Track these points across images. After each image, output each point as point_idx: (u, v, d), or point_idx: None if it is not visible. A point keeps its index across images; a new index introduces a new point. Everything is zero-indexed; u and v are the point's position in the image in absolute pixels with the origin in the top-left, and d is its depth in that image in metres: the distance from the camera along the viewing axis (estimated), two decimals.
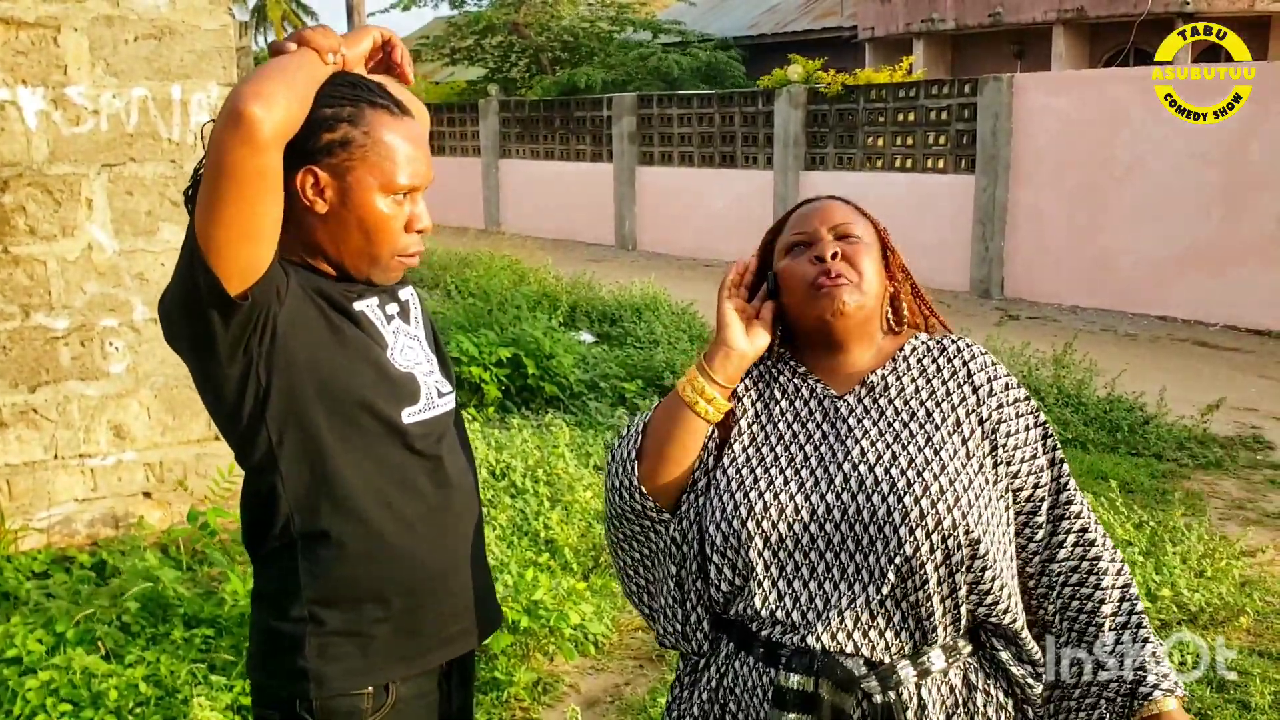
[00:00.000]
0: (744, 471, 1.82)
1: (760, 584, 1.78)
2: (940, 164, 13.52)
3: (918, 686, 1.76)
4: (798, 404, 1.86)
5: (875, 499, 1.73)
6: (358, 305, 1.86)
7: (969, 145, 13.10)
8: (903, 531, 1.71)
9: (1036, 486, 1.84)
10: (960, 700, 1.79)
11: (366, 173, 1.79)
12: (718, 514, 1.81)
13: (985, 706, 1.81)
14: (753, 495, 1.79)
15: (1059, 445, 1.87)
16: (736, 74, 20.54)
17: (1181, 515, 5.16)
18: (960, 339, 1.90)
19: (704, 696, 1.89)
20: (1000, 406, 1.83)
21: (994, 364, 1.87)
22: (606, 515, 1.98)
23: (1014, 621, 1.79)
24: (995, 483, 1.80)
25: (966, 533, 1.71)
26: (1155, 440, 6.87)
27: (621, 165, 18.09)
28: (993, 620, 1.78)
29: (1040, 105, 12.43)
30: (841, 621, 1.74)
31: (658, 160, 17.74)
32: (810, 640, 1.75)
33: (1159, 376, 8.22)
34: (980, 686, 1.81)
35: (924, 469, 1.74)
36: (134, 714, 3.41)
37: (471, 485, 2.02)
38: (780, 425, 1.85)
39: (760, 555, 1.77)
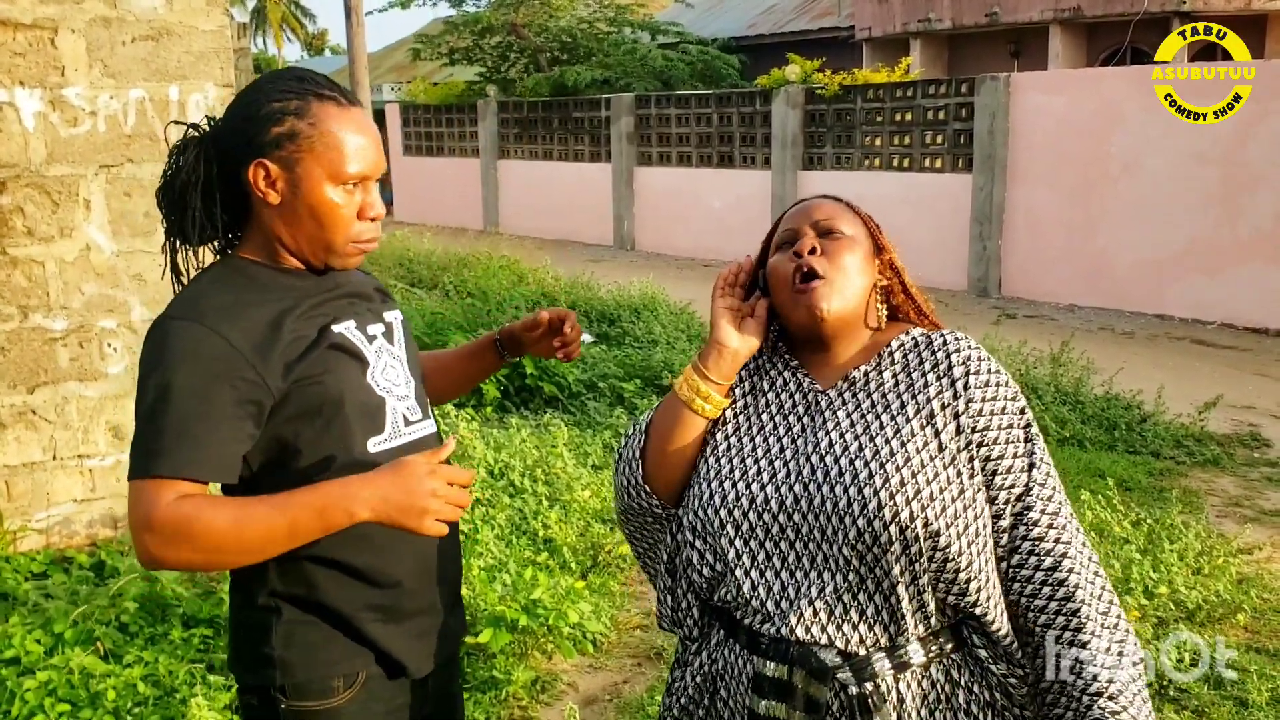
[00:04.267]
0: (722, 461, 1.86)
1: (734, 571, 1.81)
2: (938, 163, 13.53)
3: (896, 680, 1.77)
4: (783, 397, 1.90)
5: (838, 489, 1.76)
6: (336, 328, 1.88)
7: (966, 144, 13.11)
8: (860, 522, 1.73)
9: (1008, 500, 1.80)
10: (943, 696, 1.80)
11: (314, 163, 1.83)
12: (695, 501, 1.85)
13: (969, 704, 1.81)
14: (726, 485, 1.83)
15: (1036, 451, 1.82)
16: (731, 74, 20.55)
17: (1179, 513, 5.17)
18: (950, 333, 1.90)
19: (697, 680, 1.93)
20: (979, 411, 1.80)
21: (979, 359, 1.86)
22: (616, 510, 2.02)
23: (985, 615, 1.78)
24: (972, 476, 1.79)
25: (925, 525, 1.72)
26: (1153, 438, 6.88)
27: (620, 165, 18.10)
28: (967, 612, 1.78)
29: (1037, 104, 12.44)
30: (814, 612, 1.76)
31: (656, 160, 17.75)
32: (784, 630, 1.77)
33: (1156, 375, 8.24)
34: (963, 684, 1.81)
35: (887, 461, 1.75)
36: (132, 714, 3.42)
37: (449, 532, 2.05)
38: (764, 417, 1.89)
39: (733, 543, 1.81)
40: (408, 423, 1.96)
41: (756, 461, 1.84)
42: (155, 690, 3.52)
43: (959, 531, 1.74)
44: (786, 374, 1.92)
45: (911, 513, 1.71)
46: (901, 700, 1.76)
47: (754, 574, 1.80)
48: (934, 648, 1.80)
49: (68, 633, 3.76)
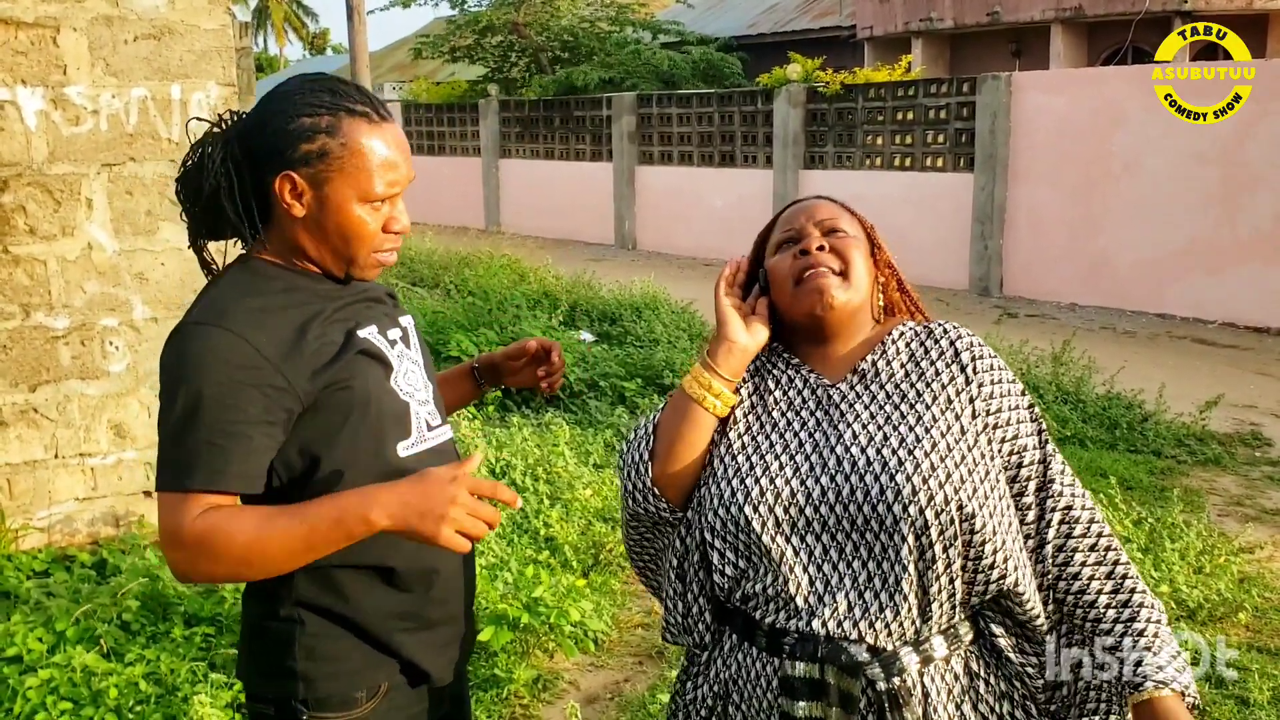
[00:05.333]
0: (739, 459, 1.85)
1: (762, 568, 1.81)
2: (939, 163, 13.52)
3: (920, 674, 1.78)
4: (791, 393, 1.90)
5: (868, 479, 1.76)
6: (361, 333, 1.87)
7: (967, 144, 13.11)
8: (896, 509, 1.74)
9: (1028, 478, 1.86)
10: (964, 688, 1.82)
11: (344, 183, 1.79)
12: (715, 500, 1.84)
13: (988, 695, 1.83)
14: (749, 481, 1.82)
15: (1043, 427, 1.90)
16: (734, 73, 20.54)
17: (1180, 512, 5.17)
18: (945, 323, 1.95)
19: (715, 689, 1.92)
20: (990, 394, 1.86)
21: (980, 344, 1.91)
22: (622, 520, 2.02)
23: (1023, 593, 1.80)
24: (992, 457, 1.82)
25: (960, 508, 1.74)
26: (1154, 437, 6.87)
27: (621, 165, 18.09)
28: (1004, 592, 1.79)
29: (1038, 104, 12.44)
30: (848, 606, 1.77)
31: (657, 160, 17.74)
32: (815, 625, 1.77)
33: (1157, 374, 8.23)
34: (982, 674, 1.83)
35: (914, 447, 1.77)
36: (134, 712, 3.42)
37: None
38: (774, 414, 1.89)
39: (759, 540, 1.80)
40: (430, 427, 1.95)
41: (777, 457, 1.83)
42: (157, 688, 3.52)
43: (990, 512, 1.77)
44: (790, 371, 1.93)
45: (945, 496, 1.73)
46: (927, 694, 1.78)
47: (784, 569, 1.79)
48: (954, 640, 1.81)
49: (69, 631, 3.76)
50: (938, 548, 1.75)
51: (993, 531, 1.76)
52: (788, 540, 1.80)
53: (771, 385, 1.93)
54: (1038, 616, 1.83)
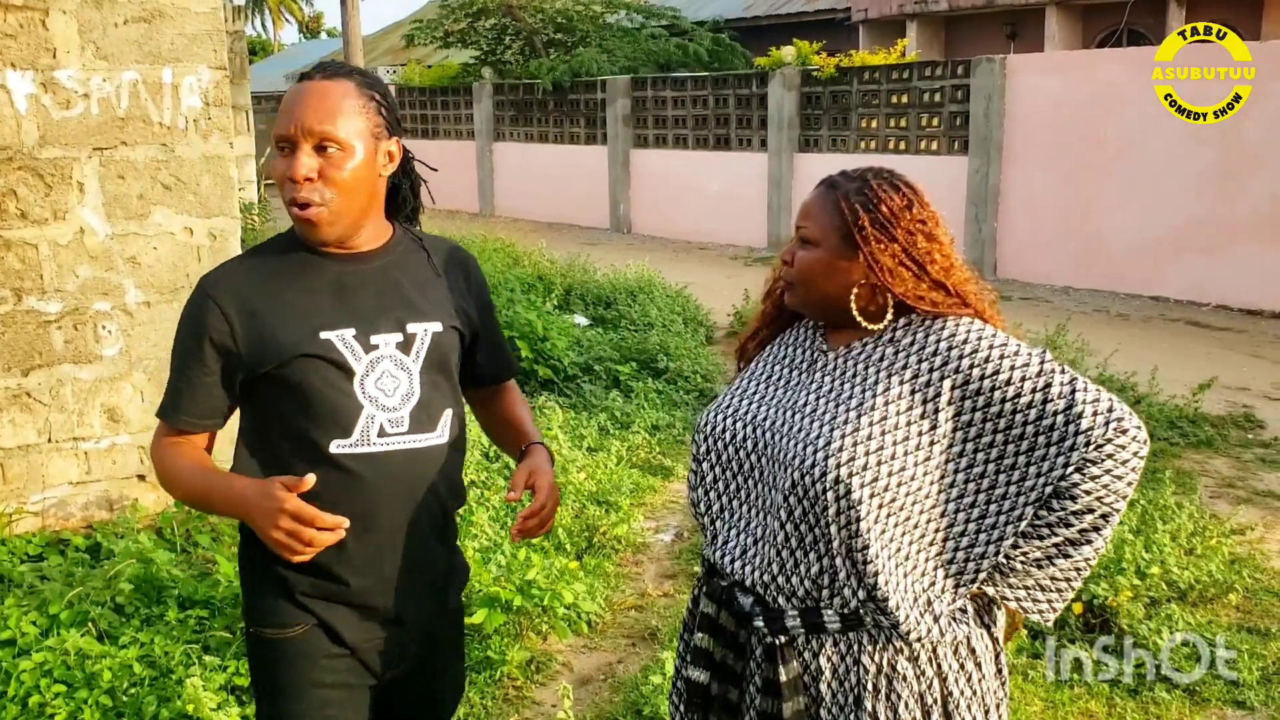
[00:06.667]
0: (725, 396, 2.08)
1: (696, 488, 2.04)
2: (934, 145, 13.51)
3: (809, 639, 1.87)
4: (796, 351, 2.05)
5: (786, 441, 1.89)
6: (324, 335, 1.98)
7: (962, 126, 13.09)
8: (795, 475, 1.85)
9: (1040, 427, 1.83)
10: (852, 663, 1.87)
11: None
12: (698, 424, 2.08)
13: (876, 674, 1.87)
14: (718, 416, 2.03)
15: (1061, 382, 1.84)
16: (739, 64, 20.42)
17: (1172, 493, 5.17)
18: (956, 319, 1.90)
19: (690, 608, 2.13)
20: (978, 390, 1.84)
21: (976, 337, 1.87)
22: None
23: (885, 600, 1.83)
24: (960, 455, 1.86)
25: (848, 492, 1.80)
26: (1147, 419, 6.88)
27: (616, 148, 18.05)
28: (870, 595, 1.84)
29: (1033, 86, 12.42)
30: (742, 549, 1.94)
31: (652, 143, 17.71)
32: (723, 559, 1.97)
33: (1151, 356, 8.25)
34: (872, 653, 1.87)
35: (838, 426, 1.85)
36: (128, 695, 3.43)
37: (417, 542, 2.11)
38: (775, 366, 2.05)
39: (700, 463, 2.04)
40: (384, 434, 2.01)
41: (749, 400, 2.02)
42: (151, 671, 3.53)
43: (888, 513, 1.82)
44: (808, 331, 2.06)
45: (838, 476, 1.80)
46: (816, 655, 1.88)
47: (699, 491, 2.04)
48: (853, 620, 1.86)
49: (63, 614, 3.76)
50: (824, 522, 1.83)
51: (868, 529, 1.81)
52: (712, 468, 2.01)
53: (790, 339, 2.07)
54: (903, 626, 1.84)
